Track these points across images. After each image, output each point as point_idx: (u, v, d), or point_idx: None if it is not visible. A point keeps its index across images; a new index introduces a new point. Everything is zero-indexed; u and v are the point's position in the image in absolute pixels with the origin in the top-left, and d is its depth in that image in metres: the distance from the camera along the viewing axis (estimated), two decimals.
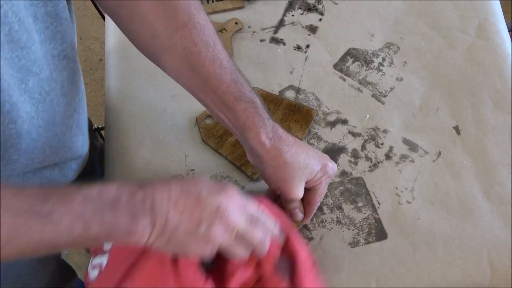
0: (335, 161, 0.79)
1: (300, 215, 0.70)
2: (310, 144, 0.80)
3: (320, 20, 0.92)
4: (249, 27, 0.92)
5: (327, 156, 0.71)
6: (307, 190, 0.69)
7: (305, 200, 0.70)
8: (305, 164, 0.66)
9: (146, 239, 0.52)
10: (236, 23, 0.91)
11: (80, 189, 0.51)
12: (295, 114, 0.81)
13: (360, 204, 0.75)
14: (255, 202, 0.60)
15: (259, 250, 0.59)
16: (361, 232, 0.73)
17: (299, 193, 0.67)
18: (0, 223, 0.46)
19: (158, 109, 0.84)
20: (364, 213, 0.75)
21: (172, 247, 0.55)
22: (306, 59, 0.88)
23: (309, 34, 0.91)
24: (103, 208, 0.50)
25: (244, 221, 0.56)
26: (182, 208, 0.53)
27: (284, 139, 0.66)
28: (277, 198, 0.71)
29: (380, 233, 0.73)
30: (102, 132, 1.02)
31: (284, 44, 0.90)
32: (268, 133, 0.65)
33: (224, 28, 0.91)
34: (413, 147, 0.80)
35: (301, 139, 0.80)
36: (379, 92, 0.85)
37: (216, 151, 0.79)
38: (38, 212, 0.48)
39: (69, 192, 0.50)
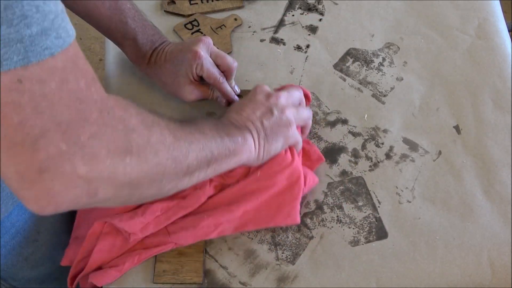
0: (335, 160, 0.79)
1: (222, 102, 0.81)
2: None
3: (320, 20, 0.93)
4: (249, 27, 0.92)
5: (193, 44, 0.76)
6: (204, 79, 0.78)
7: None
8: (176, 68, 0.76)
9: (254, 143, 0.67)
10: (236, 20, 0.91)
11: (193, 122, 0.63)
12: None
13: (360, 203, 0.75)
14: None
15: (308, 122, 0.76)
16: (361, 231, 0.73)
17: (188, 96, 0.78)
18: (178, 138, 0.56)
19: (158, 109, 0.84)
20: (365, 212, 0.75)
21: (272, 139, 0.69)
22: (306, 59, 0.88)
23: (309, 34, 0.91)
24: (219, 129, 0.64)
25: (283, 91, 0.74)
26: (250, 112, 0.69)
27: (158, 55, 0.77)
28: None
29: (380, 232, 0.73)
30: None
31: (284, 44, 0.90)
32: (146, 57, 0.78)
33: (223, 24, 0.91)
34: (413, 146, 0.80)
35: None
36: (379, 92, 0.85)
37: None
38: (191, 132, 0.59)
39: (192, 123, 0.62)
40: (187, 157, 0.56)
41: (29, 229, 0.78)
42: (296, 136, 0.72)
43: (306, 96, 0.79)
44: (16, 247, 0.77)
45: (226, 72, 0.78)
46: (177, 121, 0.59)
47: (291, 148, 0.72)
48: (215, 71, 0.76)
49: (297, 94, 0.75)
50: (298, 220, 0.71)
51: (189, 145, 0.57)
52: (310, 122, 0.76)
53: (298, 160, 0.73)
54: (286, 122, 0.69)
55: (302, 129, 0.75)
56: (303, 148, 0.76)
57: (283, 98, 0.71)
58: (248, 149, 0.66)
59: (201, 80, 0.78)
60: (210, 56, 0.77)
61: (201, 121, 0.64)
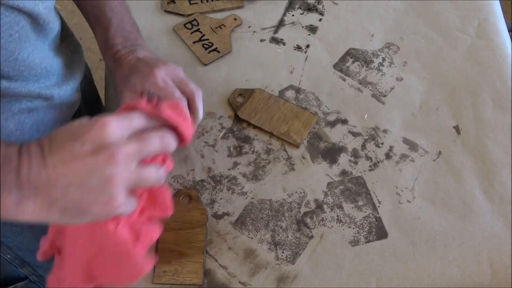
0: (335, 160, 0.79)
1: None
2: (310, 143, 0.80)
3: (320, 20, 0.93)
4: (249, 26, 0.92)
5: (157, 64, 0.69)
6: (157, 95, 0.68)
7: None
8: (127, 79, 0.71)
9: (37, 213, 0.46)
10: (235, 19, 0.91)
11: None
12: (295, 119, 0.81)
13: (360, 203, 0.75)
14: (130, 113, 0.52)
15: (167, 149, 0.53)
16: (361, 231, 0.73)
17: (124, 100, 0.70)
18: None
19: None
20: (365, 212, 0.75)
21: (71, 215, 0.47)
22: (306, 59, 0.88)
23: (309, 34, 0.91)
24: None
25: (134, 144, 0.49)
26: (63, 167, 0.46)
27: (119, 62, 0.73)
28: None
29: (380, 232, 0.73)
30: None
31: (284, 44, 0.90)
32: (113, 60, 0.74)
33: (223, 24, 0.91)
34: (413, 146, 0.80)
35: (299, 143, 0.80)
36: (379, 92, 0.85)
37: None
38: None
39: None
40: None
41: None
42: (118, 212, 0.50)
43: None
44: None
45: (189, 100, 0.69)
46: None
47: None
48: (163, 84, 0.68)
49: (154, 146, 0.52)
50: (146, 268, 0.56)
51: None
52: (169, 145, 0.54)
53: (123, 230, 0.54)
54: (103, 198, 0.47)
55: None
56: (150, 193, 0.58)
57: (121, 160, 0.47)
58: (27, 217, 0.47)
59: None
60: (173, 81, 0.70)
61: None
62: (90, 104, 0.98)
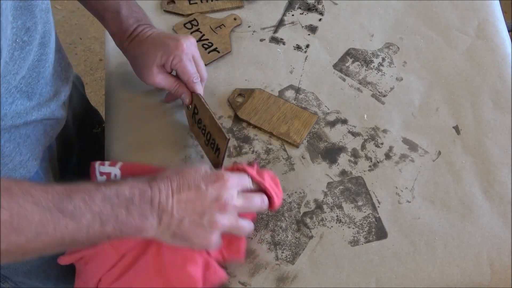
0: (335, 160, 0.79)
1: (186, 99, 0.77)
2: (310, 143, 0.80)
3: (320, 20, 0.93)
4: (248, 26, 0.92)
5: (180, 36, 0.76)
6: (178, 73, 0.76)
7: (183, 82, 0.77)
8: (148, 52, 0.74)
9: (154, 233, 0.58)
10: (235, 19, 0.91)
11: (99, 187, 0.56)
12: (295, 119, 0.81)
13: (360, 203, 0.75)
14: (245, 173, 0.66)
15: (263, 210, 0.67)
16: (361, 231, 0.73)
17: (153, 78, 0.75)
18: (30, 218, 0.50)
19: (158, 109, 0.84)
20: (364, 212, 0.75)
21: (178, 240, 0.60)
22: (306, 59, 0.88)
23: (309, 34, 0.91)
24: (120, 207, 0.56)
25: (241, 201, 0.63)
26: (185, 202, 0.59)
27: (135, 39, 0.76)
28: None
29: (380, 232, 0.73)
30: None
31: (284, 43, 0.90)
32: (125, 37, 0.77)
33: (222, 24, 0.91)
34: (413, 146, 0.80)
35: (299, 143, 0.80)
36: (379, 92, 0.85)
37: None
38: (64, 210, 0.52)
39: (91, 190, 0.55)
40: (30, 242, 0.51)
41: None
42: (208, 248, 0.64)
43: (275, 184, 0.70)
44: None
45: (189, 84, 0.77)
46: (68, 187, 0.54)
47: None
48: (191, 68, 0.75)
49: (256, 204, 0.65)
50: None
51: (43, 229, 0.51)
52: (263, 208, 0.67)
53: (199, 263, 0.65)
54: (205, 235, 0.61)
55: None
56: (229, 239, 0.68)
57: (229, 212, 0.61)
58: (143, 235, 0.59)
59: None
60: (193, 58, 0.76)
61: (98, 198, 0.55)
62: (79, 117, 0.97)
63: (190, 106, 0.78)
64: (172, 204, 0.59)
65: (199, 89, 0.76)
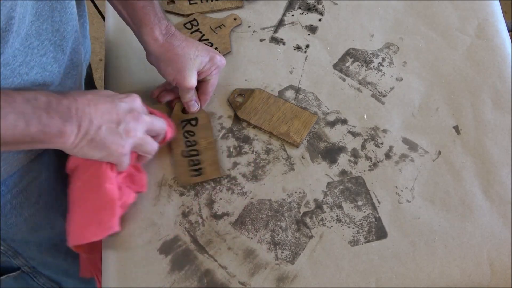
0: (335, 160, 0.79)
1: (196, 106, 0.81)
2: (310, 143, 0.80)
3: (320, 20, 0.93)
4: (248, 26, 0.92)
5: (215, 50, 0.80)
6: (200, 82, 0.79)
7: (199, 91, 0.81)
8: (195, 55, 0.76)
9: (73, 139, 0.61)
10: (235, 19, 0.91)
11: (19, 91, 0.58)
12: (295, 119, 0.81)
13: (360, 203, 0.75)
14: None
15: (159, 138, 0.72)
16: (361, 231, 0.73)
17: (193, 80, 0.77)
18: None
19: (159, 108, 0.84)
20: (364, 212, 0.75)
21: (94, 148, 0.63)
22: (306, 59, 0.88)
23: (308, 34, 0.91)
24: (40, 109, 0.58)
25: (149, 117, 0.69)
26: (102, 110, 0.63)
27: (176, 35, 0.76)
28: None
29: (380, 232, 0.73)
30: None
31: (284, 44, 0.90)
32: (161, 30, 0.75)
33: (222, 24, 0.91)
34: (413, 146, 0.80)
35: (299, 143, 0.80)
36: (379, 92, 0.85)
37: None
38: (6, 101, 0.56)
39: (11, 93, 0.57)
40: None
41: (31, 191, 0.79)
42: (121, 160, 0.67)
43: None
44: (17, 207, 0.78)
45: (206, 96, 0.82)
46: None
47: (111, 166, 0.68)
48: (212, 86, 0.81)
49: (160, 125, 0.71)
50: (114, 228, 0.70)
51: None
52: (163, 132, 0.73)
53: (115, 180, 0.69)
54: (121, 142, 0.65)
55: (154, 137, 0.72)
56: (130, 174, 0.73)
57: (141, 123, 0.67)
58: (63, 142, 0.61)
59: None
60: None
61: (19, 100, 0.58)
62: None
63: (183, 112, 0.81)
64: (90, 111, 0.62)
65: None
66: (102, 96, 0.65)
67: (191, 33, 0.90)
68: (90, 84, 1.05)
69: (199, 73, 0.78)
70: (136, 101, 0.68)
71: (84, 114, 0.61)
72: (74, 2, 0.69)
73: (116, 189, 0.69)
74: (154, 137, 0.71)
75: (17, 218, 0.80)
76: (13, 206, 0.78)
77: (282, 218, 0.74)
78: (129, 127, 0.65)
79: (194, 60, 0.76)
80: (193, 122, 0.80)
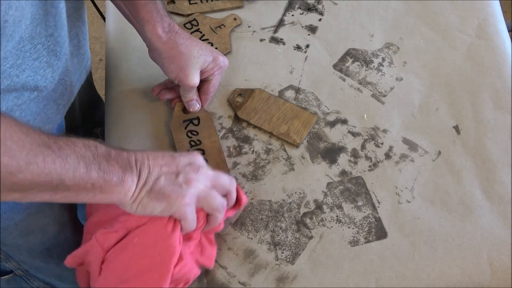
0: (335, 160, 0.79)
1: (197, 105, 0.80)
2: (310, 144, 0.80)
3: (320, 20, 0.93)
4: (248, 26, 0.92)
5: (218, 51, 0.79)
6: (202, 81, 0.79)
7: (201, 91, 0.81)
8: (198, 54, 0.76)
9: (133, 189, 0.59)
10: (235, 19, 0.91)
11: (79, 138, 0.57)
12: (295, 119, 0.81)
13: (360, 203, 0.75)
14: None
15: (230, 197, 0.68)
16: (361, 231, 0.73)
17: (195, 79, 0.76)
18: (22, 144, 0.51)
19: (158, 109, 0.84)
20: (364, 212, 0.75)
21: (154, 199, 0.61)
22: (306, 59, 0.88)
23: (308, 34, 0.91)
24: (100, 157, 0.57)
25: (212, 172, 0.66)
26: (161, 163, 0.62)
27: (179, 33, 0.75)
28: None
29: (380, 232, 0.73)
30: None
31: (284, 44, 0.90)
32: (164, 27, 0.74)
33: (222, 24, 0.91)
34: (413, 146, 0.80)
35: (299, 143, 0.80)
36: (379, 92, 0.85)
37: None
38: (50, 146, 0.53)
39: (71, 139, 0.56)
40: (22, 171, 0.51)
41: None
42: (184, 212, 0.63)
43: (239, 200, 0.71)
44: (8, 211, 0.77)
45: (208, 96, 0.82)
46: (53, 134, 0.56)
47: (175, 222, 0.64)
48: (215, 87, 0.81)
49: (225, 180, 0.67)
50: None
51: (33, 159, 0.52)
52: (234, 191, 0.69)
53: (178, 238, 0.64)
54: (181, 192, 0.62)
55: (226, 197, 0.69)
56: (202, 244, 0.69)
57: (202, 175, 0.64)
58: (123, 192, 0.59)
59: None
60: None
61: (79, 144, 0.56)
62: (87, 106, 0.97)
63: (183, 111, 0.81)
64: (149, 163, 0.61)
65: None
66: (161, 152, 0.64)
67: (191, 33, 0.90)
68: (90, 90, 1.05)
69: (201, 72, 0.78)
70: (196, 157, 0.66)
71: (143, 165, 0.60)
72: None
73: (178, 247, 0.64)
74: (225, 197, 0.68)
75: (8, 222, 0.79)
76: (3, 210, 0.77)
77: (282, 218, 0.74)
78: (189, 177, 0.63)
79: (198, 58, 0.76)
80: (195, 122, 0.80)
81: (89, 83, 1.01)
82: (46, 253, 0.91)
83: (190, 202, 0.63)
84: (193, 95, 0.80)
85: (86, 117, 1.00)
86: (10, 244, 0.85)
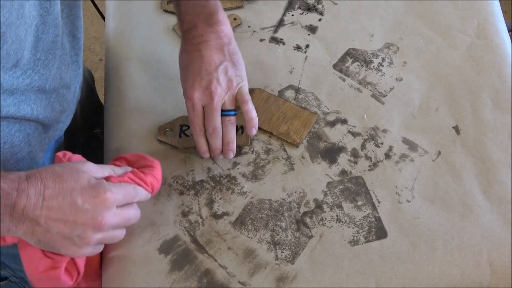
0: (335, 160, 0.79)
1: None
2: (310, 143, 0.80)
3: (319, 20, 0.93)
4: (248, 26, 0.92)
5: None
6: None
7: None
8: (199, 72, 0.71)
9: (24, 237, 0.56)
10: (235, 19, 0.91)
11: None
12: (295, 119, 0.81)
13: (360, 203, 0.75)
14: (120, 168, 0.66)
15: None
16: (361, 230, 0.73)
17: (191, 94, 0.71)
18: None
19: (158, 110, 0.84)
20: (364, 211, 0.75)
21: (43, 246, 0.58)
22: (305, 59, 0.88)
23: (308, 34, 0.91)
24: None
25: (117, 219, 0.60)
26: (56, 212, 0.55)
27: (194, 40, 0.72)
28: None
29: (380, 232, 0.73)
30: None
31: (283, 44, 0.90)
32: (182, 30, 0.73)
33: None
34: (412, 146, 0.80)
35: (299, 143, 0.80)
36: (379, 92, 0.85)
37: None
38: None
39: None
40: None
41: None
42: (82, 255, 0.61)
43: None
44: None
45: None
46: None
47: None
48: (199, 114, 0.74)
49: (129, 196, 0.63)
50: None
51: None
52: (138, 217, 0.66)
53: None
54: (74, 250, 0.59)
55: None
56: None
57: (101, 229, 0.58)
58: (16, 238, 0.59)
59: None
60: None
61: None
62: (87, 111, 0.97)
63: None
64: (40, 213, 0.55)
65: (198, 142, 0.75)
66: (64, 194, 0.56)
67: None
68: (91, 94, 1.04)
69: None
70: (105, 205, 0.58)
71: (31, 215, 0.55)
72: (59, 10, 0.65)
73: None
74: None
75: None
76: None
77: (282, 218, 0.74)
78: (85, 235, 0.58)
79: (191, 70, 0.74)
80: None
81: (90, 87, 1.01)
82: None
83: (86, 252, 0.60)
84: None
85: (87, 119, 1.00)
86: (4, 253, 0.85)
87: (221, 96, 0.72)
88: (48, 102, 0.69)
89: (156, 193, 0.71)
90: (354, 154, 0.79)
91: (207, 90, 0.71)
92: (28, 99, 0.65)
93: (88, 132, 1.01)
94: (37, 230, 0.56)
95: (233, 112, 0.74)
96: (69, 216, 0.56)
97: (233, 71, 0.74)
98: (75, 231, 0.57)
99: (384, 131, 0.81)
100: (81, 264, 0.65)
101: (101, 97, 1.05)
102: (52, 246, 0.58)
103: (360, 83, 0.86)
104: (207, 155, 0.76)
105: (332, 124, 0.82)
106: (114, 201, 0.60)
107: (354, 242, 0.72)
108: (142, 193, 0.66)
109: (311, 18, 0.93)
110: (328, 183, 0.77)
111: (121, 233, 0.64)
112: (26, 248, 0.62)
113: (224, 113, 0.73)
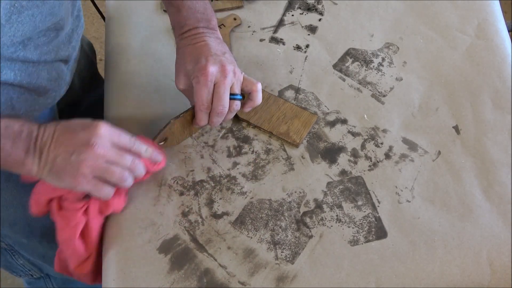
0: (335, 160, 0.79)
1: (200, 122, 0.75)
2: (310, 143, 0.80)
3: (319, 20, 0.93)
4: (248, 26, 0.92)
5: (212, 61, 0.73)
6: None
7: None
8: (187, 63, 0.74)
9: (36, 169, 0.65)
10: (235, 19, 0.91)
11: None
12: (295, 119, 0.81)
13: (360, 203, 0.75)
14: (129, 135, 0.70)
15: (133, 174, 0.69)
16: (361, 230, 0.73)
17: (178, 85, 0.76)
18: None
19: (158, 110, 0.84)
20: (364, 211, 0.75)
21: (53, 177, 0.66)
22: (305, 59, 0.88)
23: (308, 34, 0.91)
24: (7, 138, 0.64)
25: (112, 153, 0.66)
26: (61, 143, 0.65)
27: (189, 39, 0.76)
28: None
29: (380, 232, 0.73)
30: None
31: (283, 44, 0.90)
32: (180, 32, 0.76)
33: (222, 24, 0.91)
34: (412, 146, 0.80)
35: (299, 143, 0.80)
36: (379, 92, 0.85)
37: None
38: None
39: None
40: None
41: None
42: (83, 189, 0.67)
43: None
44: None
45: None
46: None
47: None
48: (202, 95, 0.73)
49: (125, 141, 0.69)
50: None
51: None
52: (138, 172, 0.70)
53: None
54: (73, 172, 0.65)
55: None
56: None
57: (95, 153, 0.65)
58: (26, 171, 0.66)
59: None
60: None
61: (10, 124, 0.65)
62: (87, 83, 0.99)
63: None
64: (50, 143, 0.65)
65: (200, 118, 0.74)
66: (70, 127, 0.67)
67: None
68: (94, 75, 1.06)
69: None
70: (97, 133, 0.66)
71: (44, 147, 0.65)
72: None
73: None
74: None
75: None
76: None
77: (282, 217, 0.74)
78: (80, 158, 0.65)
79: (182, 63, 0.76)
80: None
81: (90, 60, 1.04)
82: (28, 229, 0.92)
83: (83, 181, 0.66)
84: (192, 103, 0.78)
85: (85, 89, 1.03)
86: None
87: (232, 78, 0.73)
88: (35, 70, 0.73)
89: (149, 178, 0.74)
90: (354, 154, 0.79)
91: (222, 67, 0.72)
92: (12, 66, 0.70)
93: (89, 100, 1.04)
94: (48, 159, 0.65)
95: (239, 97, 0.74)
96: (69, 141, 0.65)
97: (235, 63, 0.76)
98: (73, 155, 0.64)
99: (384, 131, 0.81)
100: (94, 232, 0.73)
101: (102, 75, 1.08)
102: (58, 173, 0.65)
103: (360, 83, 0.86)
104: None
105: (332, 124, 0.82)
106: (107, 134, 0.66)
107: (354, 242, 0.72)
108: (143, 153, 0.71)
109: (311, 18, 0.93)
110: (328, 183, 0.77)
111: (109, 190, 0.69)
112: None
113: (232, 96, 0.74)
